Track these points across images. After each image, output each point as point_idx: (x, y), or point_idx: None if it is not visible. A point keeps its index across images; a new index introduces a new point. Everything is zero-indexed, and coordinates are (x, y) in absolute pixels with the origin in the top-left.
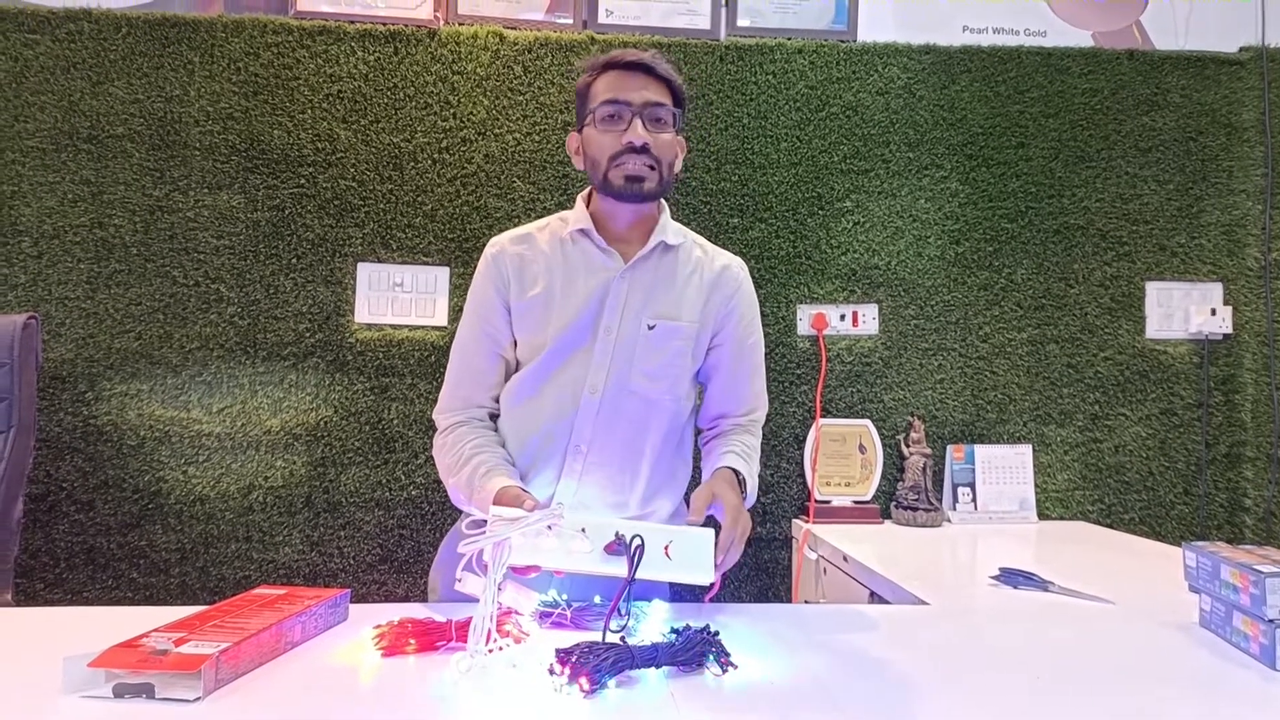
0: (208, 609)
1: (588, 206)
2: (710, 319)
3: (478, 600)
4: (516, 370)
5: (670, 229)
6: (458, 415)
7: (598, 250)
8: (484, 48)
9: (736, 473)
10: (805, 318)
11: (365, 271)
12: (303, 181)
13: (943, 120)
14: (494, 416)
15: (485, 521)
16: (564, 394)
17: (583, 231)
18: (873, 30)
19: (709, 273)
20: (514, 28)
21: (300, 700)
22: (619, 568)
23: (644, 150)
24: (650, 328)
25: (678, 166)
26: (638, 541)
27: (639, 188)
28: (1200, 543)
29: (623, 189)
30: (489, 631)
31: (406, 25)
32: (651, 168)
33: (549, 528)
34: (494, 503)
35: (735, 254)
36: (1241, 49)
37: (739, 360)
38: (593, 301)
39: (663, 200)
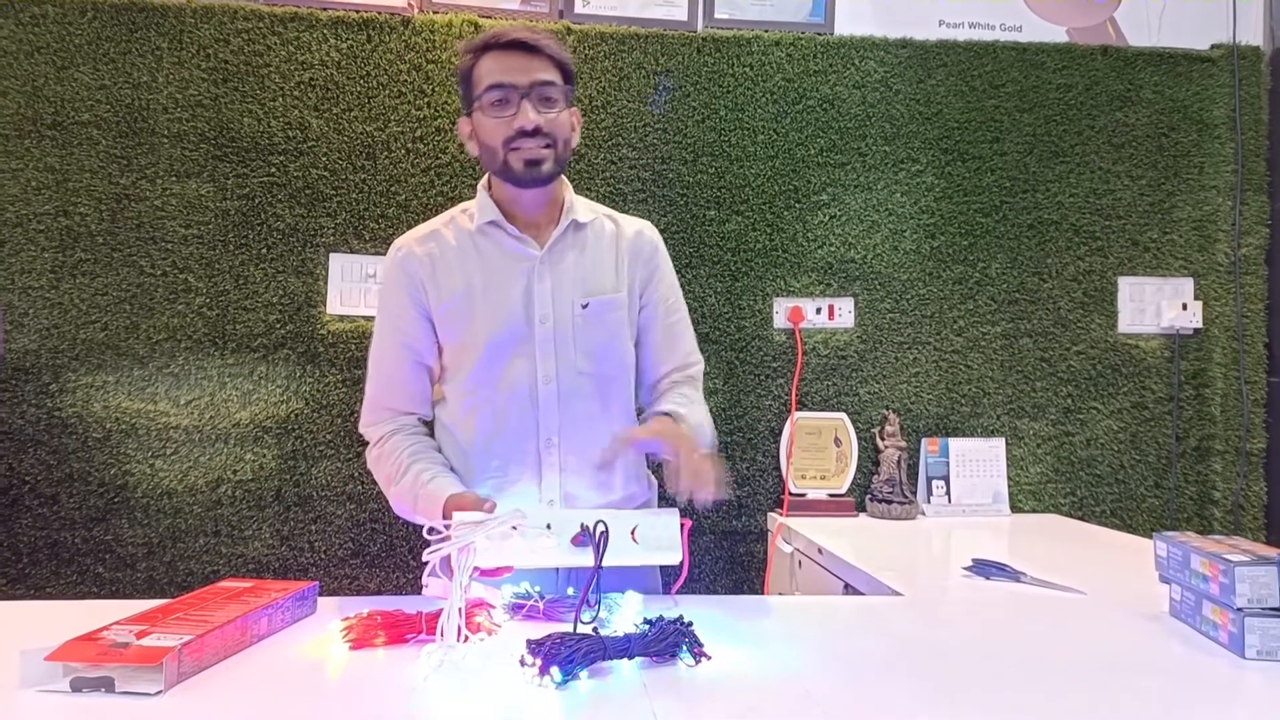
0: (171, 602)
1: (490, 194)
2: (636, 284)
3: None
4: (441, 375)
5: (579, 206)
6: (388, 425)
7: (511, 239)
8: (459, 36)
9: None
10: (781, 311)
11: (337, 262)
12: (273, 170)
13: (919, 114)
14: (424, 422)
15: (447, 528)
16: (519, 390)
17: (493, 223)
18: (850, 23)
19: (624, 240)
20: (489, 16)
21: (265, 694)
22: (587, 558)
23: (537, 133)
24: (584, 307)
25: (574, 141)
26: (601, 528)
27: (538, 171)
28: (1170, 533)
29: (522, 174)
30: (458, 625)
31: (380, 13)
32: (548, 147)
33: (514, 528)
34: (446, 509)
35: (712, 247)
36: (1213, 46)
37: (668, 317)
38: (519, 293)
39: (564, 177)
